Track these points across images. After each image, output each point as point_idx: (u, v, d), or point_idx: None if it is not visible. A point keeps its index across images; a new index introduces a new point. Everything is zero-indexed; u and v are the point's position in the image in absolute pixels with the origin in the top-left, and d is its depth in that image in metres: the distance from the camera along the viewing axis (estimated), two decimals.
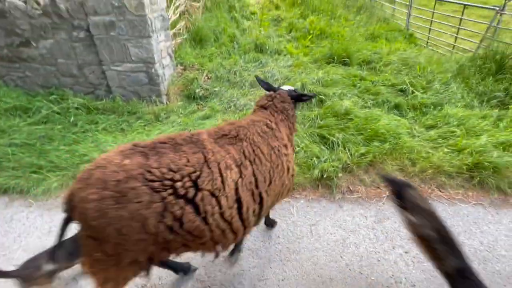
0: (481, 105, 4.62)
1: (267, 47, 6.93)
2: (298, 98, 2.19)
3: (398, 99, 4.71)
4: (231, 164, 1.50)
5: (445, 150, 3.51)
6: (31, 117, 3.82)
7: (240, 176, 1.51)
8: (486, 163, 3.17)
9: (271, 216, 2.59)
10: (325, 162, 3.27)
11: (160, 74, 4.52)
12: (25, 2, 4.03)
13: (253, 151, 1.63)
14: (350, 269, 2.23)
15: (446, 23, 7.48)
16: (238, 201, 1.50)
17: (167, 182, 1.32)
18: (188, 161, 1.40)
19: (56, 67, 4.53)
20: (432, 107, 4.50)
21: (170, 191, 1.32)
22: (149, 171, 1.31)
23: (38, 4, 4.05)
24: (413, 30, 8.04)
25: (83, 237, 1.38)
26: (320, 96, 4.77)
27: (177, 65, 5.62)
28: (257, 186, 1.58)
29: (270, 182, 1.67)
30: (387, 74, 5.36)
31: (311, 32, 7.76)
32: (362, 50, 6.44)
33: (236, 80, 5.42)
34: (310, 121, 4.06)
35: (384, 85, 5.12)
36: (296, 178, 3.14)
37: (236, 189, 1.49)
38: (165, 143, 1.47)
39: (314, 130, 3.86)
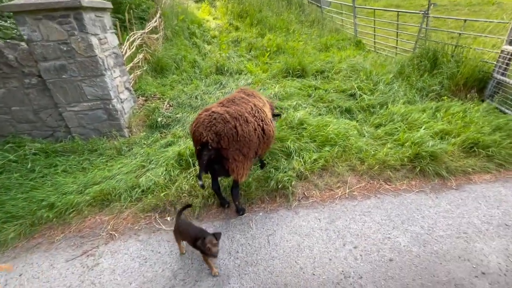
0: (422, 99, 5.06)
1: (227, 69, 7.24)
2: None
3: (349, 103, 5.07)
4: (262, 106, 2.97)
5: (389, 145, 3.81)
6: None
7: (265, 110, 2.97)
8: (423, 153, 3.48)
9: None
10: (281, 172, 3.45)
11: (118, 109, 4.62)
12: None
13: (261, 101, 3.09)
14: (304, 272, 2.36)
15: (387, 28, 8.18)
16: (271, 121, 2.97)
17: (252, 114, 2.75)
18: (251, 106, 2.81)
19: (11, 115, 4.51)
20: (378, 107, 4.88)
21: (255, 117, 2.74)
22: (246, 110, 2.69)
23: None
24: (361, 37, 8.72)
25: (232, 151, 2.52)
26: (277, 109, 5.03)
27: (138, 97, 5.74)
28: (269, 116, 3.05)
29: (269, 119, 3.03)
30: (337, 81, 5.76)
31: (269, 49, 8.19)
32: (316, 62, 6.89)
33: (197, 104, 5.61)
34: None
35: (336, 92, 5.50)
36: (255, 192, 3.29)
37: (268, 116, 2.95)
38: (233, 99, 2.83)
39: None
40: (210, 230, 2.90)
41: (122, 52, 5.29)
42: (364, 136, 4.19)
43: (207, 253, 2.20)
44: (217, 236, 2.24)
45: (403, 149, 3.68)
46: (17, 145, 4.25)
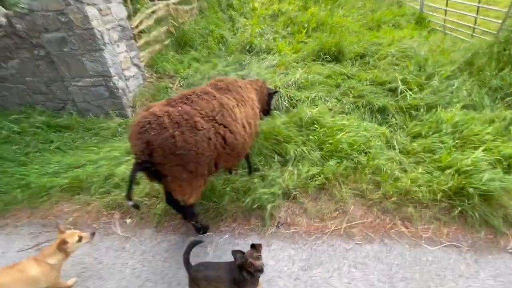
0: (493, 105, 3.66)
1: (254, 47, 6.45)
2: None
3: (385, 100, 3.95)
4: (235, 105, 2.33)
5: (423, 168, 2.78)
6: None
7: (240, 112, 2.35)
8: (471, 188, 2.41)
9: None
10: (266, 186, 2.79)
11: (120, 87, 4.37)
12: None
13: (239, 98, 2.45)
14: None
15: (466, 1, 6.22)
16: (243, 126, 2.34)
17: (211, 117, 2.10)
18: (213, 106, 2.16)
19: (26, 85, 4.64)
20: (424, 109, 3.68)
21: (214, 121, 2.11)
22: (199, 112, 2.06)
23: (1, 25, 4.13)
24: (427, 13, 6.86)
25: (170, 167, 1.94)
26: (291, 101, 4.22)
27: (152, 74, 5.46)
28: (247, 118, 2.43)
29: (250, 119, 2.47)
30: (375, 70, 4.57)
31: (306, 26, 7.06)
32: (358, 43, 5.64)
33: None
34: (269, 131, 3.53)
35: (372, 84, 4.37)
36: (229, 206, 2.73)
37: (241, 119, 2.33)
38: (191, 95, 2.18)
39: (269, 143, 3.35)
40: (163, 246, 2.49)
41: (133, 24, 4.95)
42: (393, 149, 3.18)
43: (252, 271, 1.67)
44: (257, 247, 1.74)
45: (442, 177, 2.63)
46: (25, 116, 4.36)
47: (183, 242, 2.45)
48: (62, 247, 1.95)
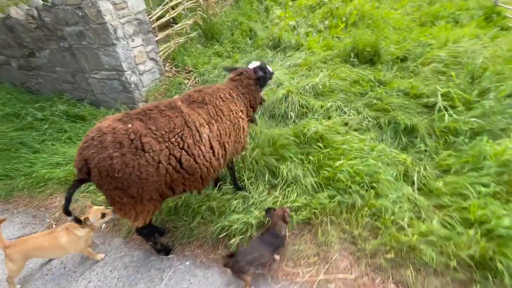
0: None
1: (283, 42, 5.96)
2: (259, 78, 2.49)
3: (417, 119, 3.24)
4: (203, 123, 2.04)
5: (441, 216, 2.16)
6: (20, 122, 4.28)
7: (210, 131, 2.05)
8: (501, 263, 1.76)
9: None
10: (243, 211, 2.47)
11: (132, 81, 4.38)
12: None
13: (216, 112, 2.14)
14: None
15: None
16: (212, 147, 2.05)
17: (166, 138, 1.85)
18: (175, 124, 1.90)
19: (56, 75, 4.96)
20: (466, 136, 2.90)
21: (169, 142, 1.86)
22: (153, 131, 1.82)
23: (33, 18, 4.42)
24: (503, 7, 5.46)
25: (108, 190, 1.78)
26: (302, 109, 3.74)
27: (171, 68, 5.41)
28: (221, 137, 2.13)
29: (230, 135, 2.21)
30: (411, 80, 3.79)
31: (344, 19, 6.27)
32: (401, 42, 4.79)
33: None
34: (267, 144, 3.15)
35: (404, 96, 3.63)
36: (198, 228, 2.50)
37: (209, 140, 2.03)
38: (152, 110, 1.94)
39: (264, 158, 2.99)
40: (125, 261, 2.37)
41: (153, 17, 4.89)
42: (411, 185, 2.56)
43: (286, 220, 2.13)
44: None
45: (465, 237, 2.00)
46: (50, 104, 4.67)
47: (141, 263, 2.31)
48: (85, 222, 2.14)
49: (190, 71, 5.37)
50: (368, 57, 4.65)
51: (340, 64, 4.67)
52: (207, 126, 2.05)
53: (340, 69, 4.47)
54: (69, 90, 5.07)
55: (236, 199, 2.66)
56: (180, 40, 5.80)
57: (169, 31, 5.42)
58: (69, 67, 4.72)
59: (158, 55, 4.93)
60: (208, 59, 5.68)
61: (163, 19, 5.26)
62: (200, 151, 1.97)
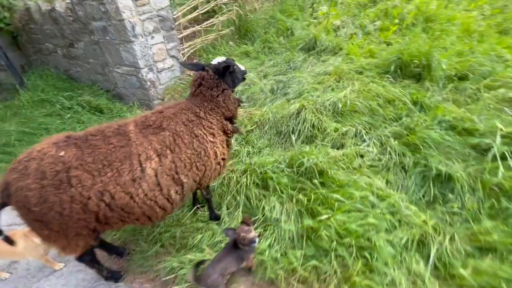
0: None
1: (320, 44, 5.33)
2: (223, 73, 1.95)
3: (455, 166, 2.44)
4: (152, 155, 1.72)
5: None
6: (50, 109, 4.62)
7: (160, 165, 1.74)
8: None
9: None
10: (202, 250, 2.15)
11: (148, 79, 4.34)
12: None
13: (174, 140, 1.81)
14: None
15: None
16: (159, 184, 1.73)
17: (102, 172, 1.60)
18: (116, 156, 1.64)
19: (90, 65, 5.23)
20: None
21: (105, 176, 1.60)
22: (87, 163, 1.58)
23: (71, 11, 4.67)
24: None
25: (28, 220, 1.64)
26: (313, 130, 3.19)
27: None
28: (177, 171, 1.79)
29: (192, 167, 1.87)
30: (464, 108, 2.90)
31: (397, 20, 5.29)
32: (465, 55, 3.81)
33: (240, 88, 4.49)
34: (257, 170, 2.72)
35: (449, 129, 2.80)
36: (155, 258, 2.26)
37: (156, 175, 1.71)
38: (95, 135, 1.70)
39: (252, 186, 2.58)
40: (79, 276, 2.28)
41: (178, 13, 4.74)
42: (424, 260, 1.89)
43: (246, 244, 1.85)
44: (246, 221, 1.97)
45: None
46: (80, 93, 4.94)
47: (93, 283, 2.17)
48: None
49: None
50: (415, 71, 3.79)
51: (378, 77, 3.91)
52: (156, 159, 1.75)
53: (374, 83, 3.72)
54: (100, 81, 5.32)
55: (206, 230, 2.35)
56: (210, 37, 5.59)
57: (197, 27, 5.25)
58: (99, 59, 4.92)
59: (181, 52, 4.81)
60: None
61: (191, 15, 5.10)
62: (139, 189, 1.69)
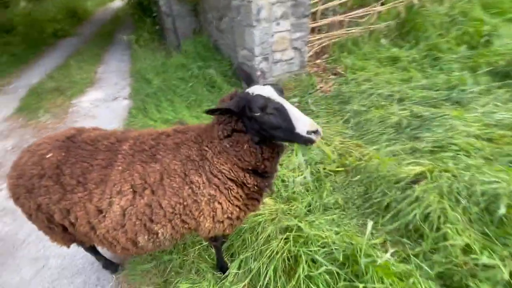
0: None
1: None
2: (241, 111, 1.27)
3: None
4: (126, 190, 1.36)
5: None
6: (184, 73, 5.21)
7: (131, 205, 1.36)
8: None
9: None
10: None
11: (259, 69, 3.99)
12: None
13: (161, 179, 1.37)
14: None
15: None
16: (124, 226, 1.39)
17: (75, 189, 1.38)
18: (94, 177, 1.38)
19: (228, 41, 5.45)
20: None
21: (75, 195, 1.38)
22: (63, 174, 1.39)
23: None
24: None
25: None
26: (421, 229, 1.89)
27: (321, 63, 4.45)
28: (151, 219, 1.38)
29: (173, 218, 1.39)
30: None
31: None
32: None
33: (357, 108, 3.38)
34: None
35: None
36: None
37: (123, 214, 1.37)
38: (91, 144, 1.48)
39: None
40: None
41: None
42: None
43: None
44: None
45: None
46: (208, 65, 5.28)
47: None
48: None
49: (337, 74, 4.16)
50: None
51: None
52: (129, 197, 1.36)
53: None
54: (232, 58, 5.50)
55: (202, 280, 1.91)
56: (354, 31, 4.48)
57: (338, 17, 4.27)
58: (232, 37, 4.99)
59: (307, 45, 4.10)
60: (374, 63, 4.11)
61: (336, 1, 4.14)
62: (102, 224, 1.39)
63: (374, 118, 3.03)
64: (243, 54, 4.29)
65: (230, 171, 1.38)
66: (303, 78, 4.13)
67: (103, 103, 5.16)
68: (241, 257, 1.98)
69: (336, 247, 1.81)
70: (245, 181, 1.42)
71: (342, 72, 4.12)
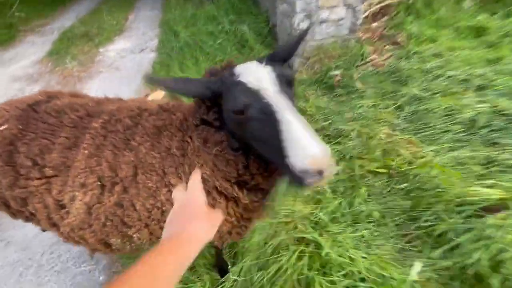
0: None
1: None
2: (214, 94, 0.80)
3: None
4: (92, 183, 1.04)
5: None
6: (214, 27, 4.65)
7: (98, 202, 1.05)
8: None
9: None
10: None
11: (300, 29, 3.30)
12: None
13: (135, 174, 1.02)
14: None
15: None
16: (92, 226, 1.10)
17: (30, 174, 1.08)
18: (53, 159, 1.07)
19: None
20: None
21: (31, 181, 1.09)
22: (18, 152, 1.10)
23: None
24: None
25: None
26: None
27: (377, 28, 3.59)
28: (123, 221, 1.07)
29: (150, 223, 1.07)
30: None
31: None
32: None
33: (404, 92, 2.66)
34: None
35: None
36: None
37: (89, 213, 1.07)
38: (55, 116, 1.15)
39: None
40: None
41: None
42: None
43: None
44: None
45: None
46: (242, 20, 4.61)
47: None
48: None
49: (398, 44, 3.33)
50: None
51: None
52: (95, 191, 1.04)
53: None
54: (273, 13, 4.75)
55: (200, 281, 1.68)
56: None
57: None
58: None
59: (364, 2, 3.26)
60: (450, 34, 3.19)
61: None
62: (65, 221, 1.10)
63: (439, 109, 2.34)
64: (282, 9, 3.58)
65: (213, 178, 0.93)
66: (352, 45, 3.37)
67: (129, 54, 4.88)
68: (244, 263, 1.68)
69: (362, 276, 1.43)
70: (235, 196, 0.95)
71: (403, 43, 3.28)
